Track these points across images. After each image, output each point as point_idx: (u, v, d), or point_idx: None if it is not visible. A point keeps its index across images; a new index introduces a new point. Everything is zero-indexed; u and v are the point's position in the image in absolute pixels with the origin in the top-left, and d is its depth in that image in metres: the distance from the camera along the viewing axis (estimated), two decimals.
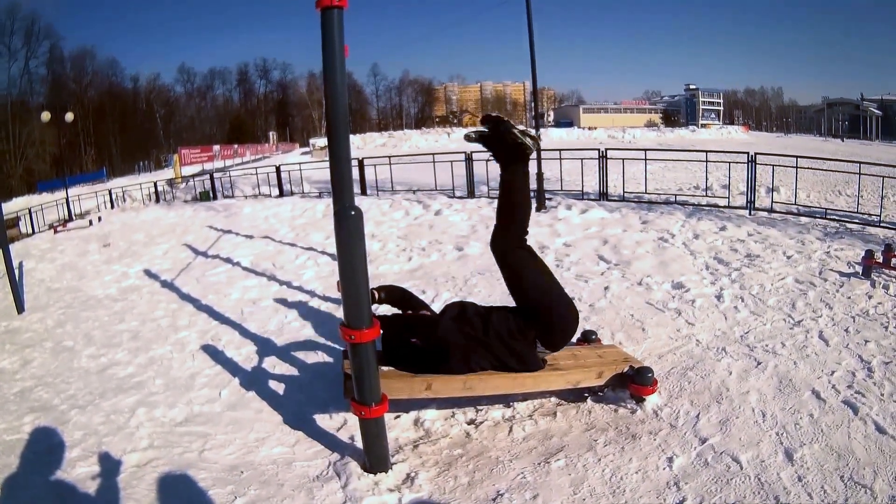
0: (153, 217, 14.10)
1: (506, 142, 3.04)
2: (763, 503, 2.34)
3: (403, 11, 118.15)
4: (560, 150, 11.21)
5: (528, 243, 3.13)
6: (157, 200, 19.55)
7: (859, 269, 5.22)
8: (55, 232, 14.64)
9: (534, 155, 3.20)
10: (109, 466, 2.99)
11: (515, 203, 3.10)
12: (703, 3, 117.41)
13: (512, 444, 2.98)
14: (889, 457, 2.57)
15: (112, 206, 20.47)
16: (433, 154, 12.58)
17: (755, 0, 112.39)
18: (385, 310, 3.92)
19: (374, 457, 2.77)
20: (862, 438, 2.73)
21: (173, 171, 31.72)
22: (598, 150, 10.48)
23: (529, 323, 3.07)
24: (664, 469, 2.59)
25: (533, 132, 3.13)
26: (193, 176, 23.02)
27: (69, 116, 24.40)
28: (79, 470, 2.95)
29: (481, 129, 3.13)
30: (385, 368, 3.05)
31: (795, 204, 8.69)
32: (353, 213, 2.46)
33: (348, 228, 2.46)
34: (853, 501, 2.30)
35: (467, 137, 3.20)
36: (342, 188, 2.74)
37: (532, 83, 10.16)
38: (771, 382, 3.35)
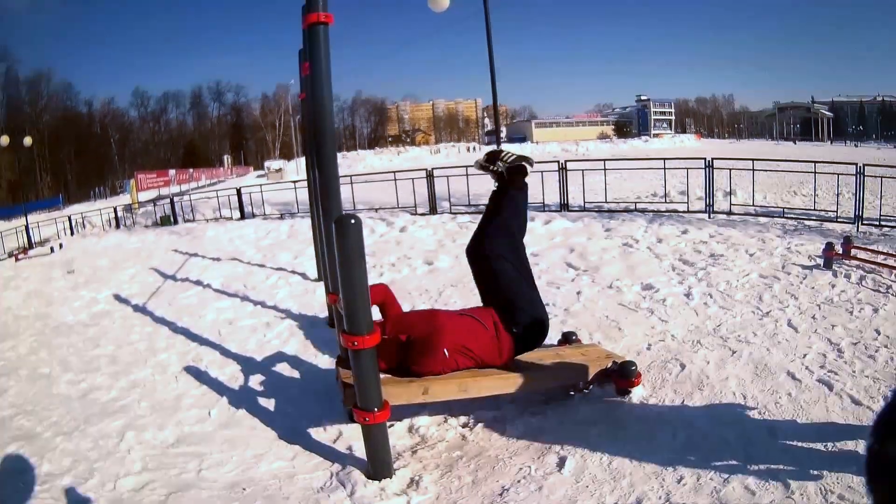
0: (115, 243, 13.82)
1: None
2: (754, 472, 2.48)
3: (355, 32, 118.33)
4: None
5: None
6: (118, 226, 19.17)
7: (821, 261, 5.48)
8: (16, 260, 14.25)
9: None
10: (105, 492, 2.95)
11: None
12: (651, 14, 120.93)
13: (508, 443, 3.07)
14: (867, 423, 2.74)
15: (72, 233, 19.99)
16: (395, 172, 12.65)
17: (703, 9, 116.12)
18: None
19: (378, 463, 2.82)
20: (840, 411, 2.92)
21: (130, 197, 31.11)
22: (559, 162, 10.71)
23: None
24: (658, 453, 2.71)
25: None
26: (154, 200, 22.61)
27: (27, 140, 23.76)
28: (73, 497, 2.91)
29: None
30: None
31: (753, 205, 9.02)
32: (353, 221, 2.52)
33: (349, 237, 2.51)
34: (838, 466, 2.44)
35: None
36: (333, 200, 2.82)
37: (493, 98, 10.34)
38: (748, 368, 3.53)
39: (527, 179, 3.59)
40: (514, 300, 3.31)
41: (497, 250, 3.39)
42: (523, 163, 3.53)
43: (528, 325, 3.33)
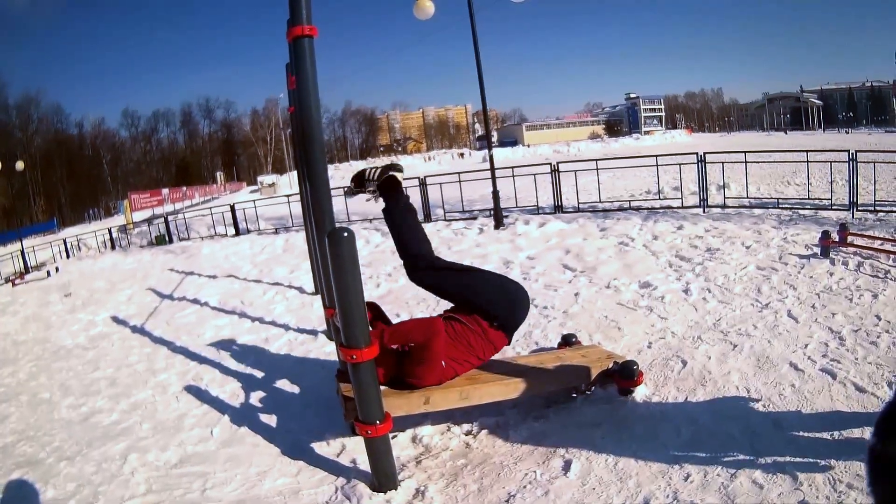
0: (111, 264, 13.82)
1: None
2: (761, 465, 2.47)
3: (342, 43, 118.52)
4: (512, 167, 11.44)
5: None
6: (113, 247, 19.17)
7: (817, 250, 5.48)
8: (13, 285, 14.24)
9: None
10: None
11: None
12: (637, 11, 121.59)
13: (512, 449, 3.04)
14: (872, 410, 2.76)
15: (68, 256, 19.99)
16: None
17: (688, 2, 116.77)
18: None
19: (383, 475, 2.80)
20: (844, 399, 2.92)
21: (124, 217, 31.09)
22: (551, 164, 10.74)
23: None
24: (664, 451, 2.69)
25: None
26: (149, 220, 22.62)
27: (19, 165, 23.67)
28: None
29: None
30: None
31: (747, 197, 9.04)
32: (345, 234, 2.51)
33: (342, 250, 2.50)
34: (845, 454, 2.44)
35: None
36: (324, 212, 2.80)
37: (482, 103, 10.29)
38: (749, 361, 3.53)
39: (400, 178, 3.43)
40: (476, 298, 3.21)
41: (425, 265, 3.29)
42: (392, 172, 3.38)
43: (504, 310, 3.24)
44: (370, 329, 3.23)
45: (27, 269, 18.40)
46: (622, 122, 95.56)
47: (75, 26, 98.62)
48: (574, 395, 3.53)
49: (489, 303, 3.21)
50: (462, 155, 62.90)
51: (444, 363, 3.10)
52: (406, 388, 3.11)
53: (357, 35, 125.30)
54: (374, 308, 3.45)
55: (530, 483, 2.67)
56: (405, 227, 3.32)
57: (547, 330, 4.76)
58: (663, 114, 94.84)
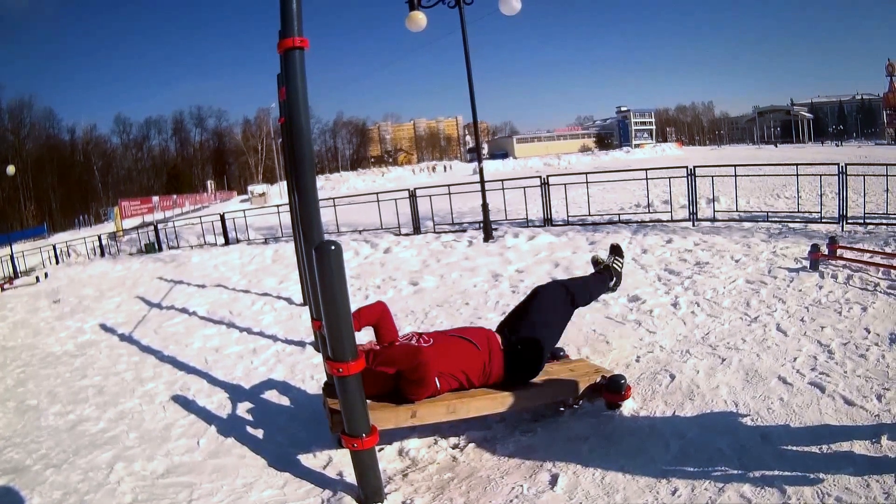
0: (100, 271, 13.70)
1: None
2: (749, 479, 2.47)
3: (334, 54, 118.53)
4: (502, 180, 11.46)
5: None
6: (103, 254, 19.06)
7: (807, 263, 5.51)
8: (2, 290, 14.08)
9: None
10: None
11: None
12: (629, 25, 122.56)
13: (499, 462, 3.03)
14: (861, 423, 2.78)
15: (57, 262, 19.86)
16: (377, 193, 12.64)
17: (679, 17, 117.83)
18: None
19: (369, 488, 2.77)
20: (833, 412, 2.93)
21: (114, 225, 30.95)
22: (541, 177, 10.76)
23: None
24: (651, 465, 2.69)
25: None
26: (138, 228, 22.51)
27: (10, 169, 23.49)
28: None
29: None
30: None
31: (737, 211, 9.08)
32: (332, 247, 2.49)
33: (329, 263, 2.49)
34: (834, 468, 2.44)
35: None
36: (312, 225, 2.79)
37: (472, 115, 10.25)
38: (738, 375, 3.53)
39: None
40: (539, 330, 3.38)
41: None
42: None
43: (528, 346, 3.33)
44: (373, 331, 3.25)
45: (16, 275, 18.22)
46: (613, 136, 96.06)
47: (69, 33, 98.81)
48: (562, 409, 3.52)
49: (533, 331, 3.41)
50: (445, 168, 62.59)
51: (437, 381, 3.10)
52: (393, 401, 3.10)
53: (349, 46, 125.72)
54: (381, 309, 3.49)
55: (517, 497, 2.65)
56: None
57: None
58: (654, 127, 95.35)
